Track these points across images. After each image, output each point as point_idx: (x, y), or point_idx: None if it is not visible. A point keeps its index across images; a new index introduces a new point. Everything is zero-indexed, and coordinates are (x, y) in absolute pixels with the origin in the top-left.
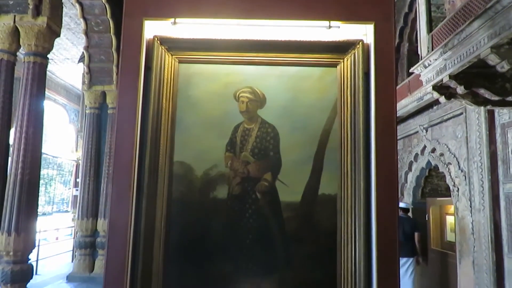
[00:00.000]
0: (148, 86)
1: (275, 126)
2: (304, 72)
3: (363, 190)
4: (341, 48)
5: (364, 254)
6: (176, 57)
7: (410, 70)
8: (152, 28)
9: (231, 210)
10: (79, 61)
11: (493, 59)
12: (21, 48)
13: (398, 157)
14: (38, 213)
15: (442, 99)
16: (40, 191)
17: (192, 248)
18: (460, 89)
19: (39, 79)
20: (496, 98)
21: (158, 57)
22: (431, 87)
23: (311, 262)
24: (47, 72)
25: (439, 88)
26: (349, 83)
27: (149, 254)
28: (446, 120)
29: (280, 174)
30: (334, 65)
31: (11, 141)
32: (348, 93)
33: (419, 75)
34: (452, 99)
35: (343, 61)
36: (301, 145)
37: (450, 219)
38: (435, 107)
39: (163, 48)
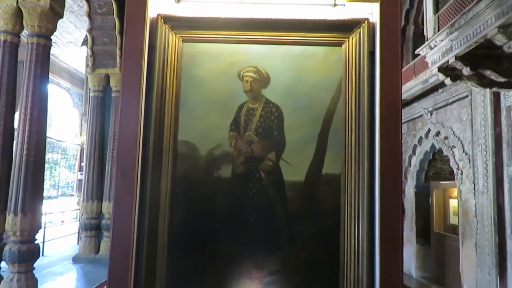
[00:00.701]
0: (152, 65)
1: (279, 105)
2: (309, 51)
3: (367, 169)
4: (346, 27)
5: (367, 233)
6: (180, 36)
7: (416, 52)
8: (156, 7)
9: (235, 189)
10: (82, 44)
11: (500, 39)
12: (24, 30)
13: (402, 141)
14: (44, 196)
15: (448, 81)
16: (45, 174)
17: (197, 226)
18: (466, 71)
19: (43, 61)
20: (502, 79)
21: (162, 36)
22: (437, 68)
23: (314, 240)
24: (51, 56)
25: (445, 69)
26: (354, 62)
27: (154, 232)
28: (451, 103)
29: (284, 153)
30: (339, 44)
31: (16, 124)
32: (353, 72)
33: (425, 57)
34: (457, 81)
35: (348, 40)
36: (305, 124)
37: (453, 203)
38: (440, 90)
39: (166, 26)
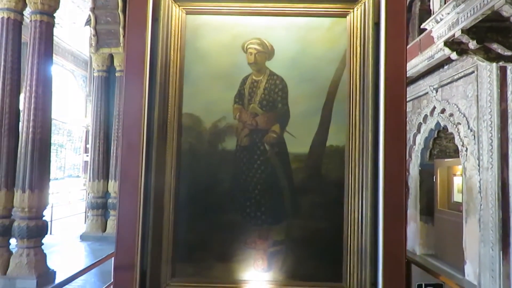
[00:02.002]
0: (156, 38)
1: (283, 77)
2: (313, 23)
3: (371, 141)
4: None
5: (370, 204)
6: (183, 8)
7: (422, 26)
8: None
9: (240, 161)
10: (85, 24)
11: (507, 10)
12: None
13: (407, 119)
14: (50, 178)
15: (454, 55)
16: (51, 157)
17: (202, 198)
18: (472, 44)
19: (47, 39)
20: (509, 53)
21: (165, 8)
22: (443, 43)
23: (318, 211)
24: (54, 38)
25: (451, 43)
26: (358, 33)
27: (160, 204)
28: (456, 80)
29: (288, 125)
30: (344, 15)
31: (21, 102)
32: (358, 44)
33: (431, 33)
34: (463, 56)
35: (353, 11)
36: (310, 96)
37: (457, 180)
38: (446, 67)
39: None
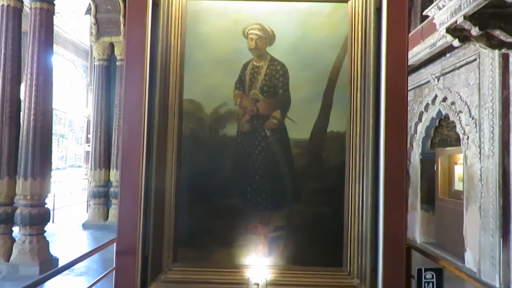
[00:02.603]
0: (156, 24)
1: (284, 63)
2: (314, 8)
3: (372, 127)
4: None
5: (371, 190)
6: None
7: (424, 13)
8: None
9: (241, 147)
10: (85, 13)
11: None
12: None
13: (409, 108)
14: (52, 165)
15: (456, 42)
16: (52, 146)
17: (203, 184)
18: (475, 31)
19: (47, 26)
20: (511, 39)
21: None
22: (445, 29)
23: (319, 197)
24: (55, 27)
25: (453, 30)
26: (360, 19)
27: (161, 189)
28: (458, 68)
29: (289, 111)
30: (345, 0)
31: (22, 90)
32: (359, 29)
33: (433, 20)
34: (466, 43)
35: None
36: (311, 82)
37: (458, 169)
38: (448, 55)
39: None
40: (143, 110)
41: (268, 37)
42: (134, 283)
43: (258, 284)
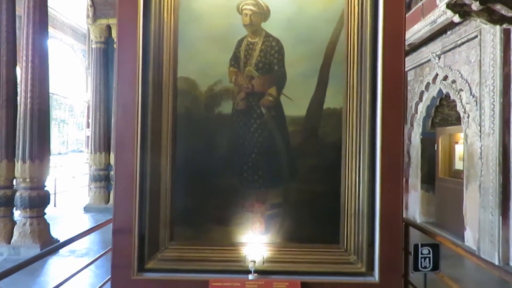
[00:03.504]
0: None
1: (279, 39)
2: None
3: (369, 103)
4: None
5: (368, 166)
6: None
7: None
8: None
9: (236, 125)
10: None
11: None
12: None
13: (409, 88)
14: (54, 153)
15: (456, 18)
16: (53, 131)
17: (199, 162)
18: (475, 5)
19: (41, 6)
20: None
21: None
22: (445, 5)
23: (315, 174)
24: (52, 11)
25: (453, 6)
26: None
27: (156, 168)
28: (459, 45)
29: (285, 88)
30: None
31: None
32: (355, 3)
33: None
34: (466, 18)
35: None
36: (307, 58)
37: (459, 148)
38: (448, 32)
39: None
40: (136, 88)
41: (262, 13)
42: (131, 262)
43: (254, 262)
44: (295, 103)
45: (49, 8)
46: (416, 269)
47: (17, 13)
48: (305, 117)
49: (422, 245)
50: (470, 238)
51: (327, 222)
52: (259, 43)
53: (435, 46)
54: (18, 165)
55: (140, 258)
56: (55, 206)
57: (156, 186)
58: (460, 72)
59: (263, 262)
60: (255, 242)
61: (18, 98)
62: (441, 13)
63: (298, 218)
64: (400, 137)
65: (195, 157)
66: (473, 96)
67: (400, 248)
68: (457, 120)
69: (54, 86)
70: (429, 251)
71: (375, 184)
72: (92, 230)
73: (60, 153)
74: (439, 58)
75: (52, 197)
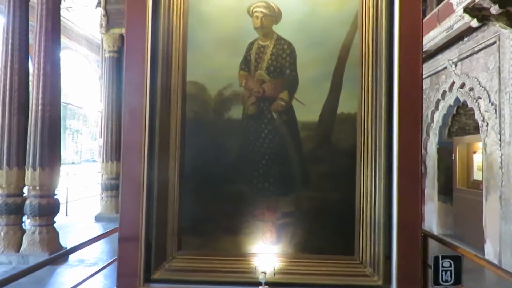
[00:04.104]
0: (157, 2)
1: (291, 42)
2: None
3: (385, 108)
4: None
5: (384, 174)
6: None
7: None
8: None
9: (247, 130)
10: (96, 6)
11: None
12: None
13: (425, 96)
14: (68, 162)
15: (474, 22)
16: (67, 140)
17: (208, 168)
18: (494, 9)
19: (54, 14)
20: None
21: None
22: (463, 9)
23: (328, 182)
24: (68, 22)
25: (471, 10)
26: None
27: (164, 174)
28: (477, 52)
29: (296, 92)
30: None
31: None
32: (370, 4)
33: (449, 3)
34: (485, 23)
35: None
36: (319, 61)
37: (477, 158)
38: (465, 39)
39: None
40: (144, 92)
41: (274, 15)
42: (137, 271)
43: (265, 273)
44: (308, 108)
45: (64, 19)
46: (436, 283)
47: (30, 22)
48: (318, 122)
49: (443, 257)
50: (490, 251)
51: (341, 232)
52: (270, 46)
53: (452, 53)
54: (28, 172)
55: (147, 268)
56: (66, 215)
57: (164, 193)
58: (478, 80)
59: (274, 274)
60: (266, 252)
61: (30, 105)
62: (458, 19)
63: (310, 227)
64: (418, 142)
65: (204, 163)
66: (492, 104)
67: (419, 260)
68: (475, 129)
69: (69, 96)
70: (450, 263)
71: (391, 192)
72: (99, 238)
73: (73, 163)
74: (456, 65)
75: (64, 206)
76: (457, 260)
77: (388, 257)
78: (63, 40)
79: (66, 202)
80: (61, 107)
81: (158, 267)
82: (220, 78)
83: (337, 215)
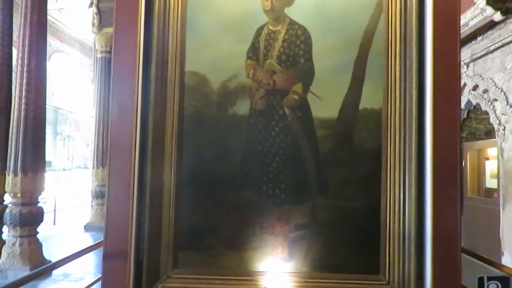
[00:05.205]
0: None
1: (306, 27)
2: None
3: (415, 102)
4: None
5: (415, 179)
6: None
7: None
8: None
9: (255, 128)
10: (89, 6)
11: None
12: None
13: None
14: (59, 168)
15: (498, 15)
16: (55, 145)
17: (210, 172)
18: None
19: (40, 7)
20: None
21: None
22: (485, 1)
23: (350, 188)
24: (60, 24)
25: (494, 2)
26: None
27: (158, 179)
28: (492, 51)
29: (312, 85)
30: None
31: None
32: None
33: None
34: (509, 16)
35: None
36: (339, 50)
37: (490, 164)
38: (479, 38)
39: None
40: (136, 84)
41: None
42: None
43: None
44: (325, 103)
45: (56, 21)
46: None
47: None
48: (337, 120)
49: (489, 279)
50: (509, 263)
51: (364, 247)
52: (282, 31)
53: (463, 54)
54: (9, 178)
55: None
56: (54, 224)
57: (158, 201)
58: (493, 81)
59: None
60: (277, 271)
61: (12, 104)
62: (474, 14)
63: (329, 241)
64: (456, 142)
65: (205, 166)
66: (510, 106)
67: (458, 280)
68: (486, 135)
69: (61, 100)
70: (497, 286)
71: (424, 200)
72: (86, 251)
73: (64, 169)
74: (467, 66)
75: (52, 214)
76: (505, 282)
77: (420, 277)
78: (55, 42)
79: (54, 210)
80: (53, 111)
81: None
82: (224, 68)
83: (360, 227)
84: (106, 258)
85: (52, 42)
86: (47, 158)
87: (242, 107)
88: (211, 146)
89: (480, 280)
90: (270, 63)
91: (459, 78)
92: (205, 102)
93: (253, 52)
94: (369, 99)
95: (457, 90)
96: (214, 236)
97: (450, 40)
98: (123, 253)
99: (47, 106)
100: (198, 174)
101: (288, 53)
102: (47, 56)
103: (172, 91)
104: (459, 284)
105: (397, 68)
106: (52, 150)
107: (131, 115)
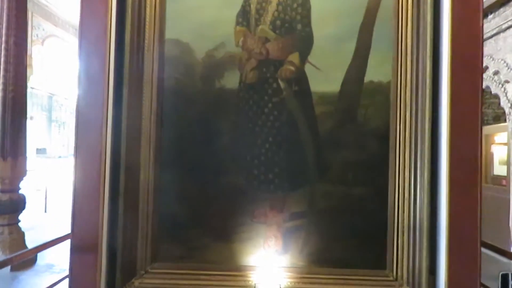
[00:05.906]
0: None
1: None
2: None
3: (429, 74)
4: None
5: (428, 162)
6: None
7: None
8: None
9: (245, 103)
10: None
11: None
12: None
13: None
14: (54, 156)
15: None
16: (51, 132)
17: (193, 155)
18: None
19: None
20: None
21: None
22: None
23: (353, 173)
24: (53, 7)
25: None
26: None
27: (134, 161)
28: (504, 30)
29: (311, 54)
30: None
31: None
32: None
33: None
34: None
35: None
36: (341, 14)
37: (498, 150)
38: (490, 16)
39: None
40: (107, 51)
41: None
42: None
43: None
44: (325, 75)
45: (49, 5)
46: None
47: None
48: (339, 94)
49: None
50: None
51: (369, 239)
52: None
53: None
54: None
55: (110, 286)
56: (45, 211)
57: (134, 186)
58: (505, 61)
59: None
60: (269, 265)
61: None
62: None
63: (328, 232)
64: (478, 120)
65: (188, 147)
66: None
67: (477, 279)
68: (495, 120)
69: (55, 86)
70: None
71: (438, 187)
72: (61, 240)
73: (60, 156)
74: None
75: (43, 202)
76: None
77: (432, 273)
78: (49, 26)
79: (45, 198)
80: (47, 98)
81: (126, 285)
82: (210, 36)
83: (364, 216)
84: (74, 252)
85: (45, 26)
86: (41, 146)
87: (231, 80)
88: (195, 125)
89: (504, 277)
90: (263, 29)
91: (481, 45)
92: (188, 74)
93: (243, 17)
94: (375, 71)
95: (479, 59)
96: (199, 226)
97: (471, 1)
98: (93, 246)
99: (42, 92)
100: (180, 156)
101: (283, 18)
102: (41, 41)
103: (150, 61)
104: (477, 280)
105: (409, 35)
106: (47, 137)
107: (101, 87)
